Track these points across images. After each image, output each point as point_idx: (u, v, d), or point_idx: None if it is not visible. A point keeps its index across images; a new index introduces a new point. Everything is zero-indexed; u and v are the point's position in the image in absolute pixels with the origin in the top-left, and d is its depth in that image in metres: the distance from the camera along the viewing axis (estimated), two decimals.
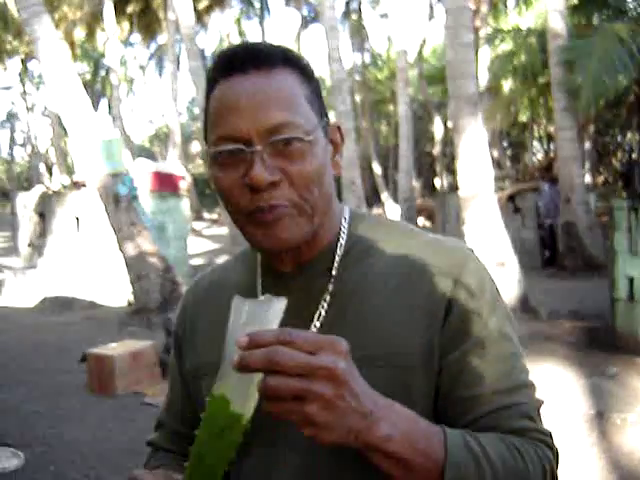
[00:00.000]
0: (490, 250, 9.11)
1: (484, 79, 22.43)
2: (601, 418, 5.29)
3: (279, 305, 0.86)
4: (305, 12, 36.89)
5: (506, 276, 9.08)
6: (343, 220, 1.18)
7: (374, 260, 1.13)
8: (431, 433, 0.91)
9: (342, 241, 1.15)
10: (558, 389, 6.06)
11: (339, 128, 1.15)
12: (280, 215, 1.01)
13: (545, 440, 1.04)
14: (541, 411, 1.09)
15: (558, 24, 13.79)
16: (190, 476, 0.88)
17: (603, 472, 4.39)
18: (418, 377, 1.05)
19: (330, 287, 1.11)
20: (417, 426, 0.90)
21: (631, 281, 7.26)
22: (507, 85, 22.05)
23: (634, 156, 25.68)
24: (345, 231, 1.16)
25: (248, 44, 1.07)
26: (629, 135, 29.11)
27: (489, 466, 0.93)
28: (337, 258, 1.13)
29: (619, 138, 31.52)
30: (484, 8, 23.72)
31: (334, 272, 1.12)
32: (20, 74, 42.75)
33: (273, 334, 0.80)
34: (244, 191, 1.02)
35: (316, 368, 0.78)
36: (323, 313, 1.09)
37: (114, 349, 6.67)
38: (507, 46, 20.83)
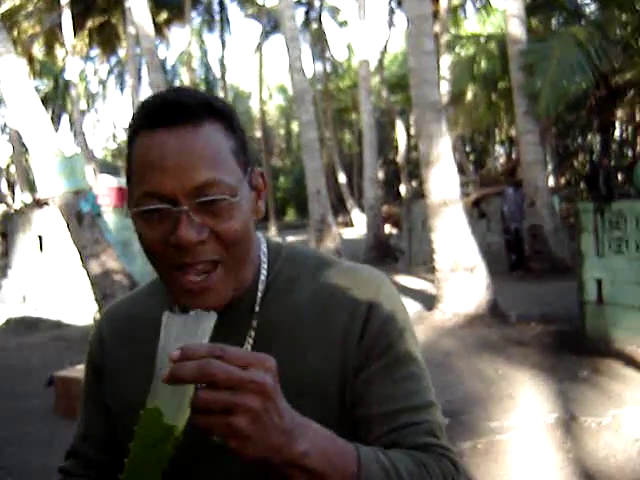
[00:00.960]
0: (458, 256, 9.14)
1: (446, 85, 22.61)
2: (575, 422, 5.29)
3: (209, 320, 0.89)
4: (265, 23, 36.83)
5: (475, 281, 9.11)
6: (262, 254, 1.19)
7: (294, 293, 1.16)
8: (346, 450, 0.95)
9: (262, 277, 1.17)
10: (530, 393, 6.07)
11: (262, 174, 1.16)
12: (207, 281, 1.03)
13: (448, 455, 1.08)
14: (444, 429, 1.12)
15: (517, 29, 13.91)
16: None
17: (580, 476, 4.38)
18: (335, 402, 1.10)
19: (254, 323, 1.14)
20: (333, 443, 0.93)
21: (599, 283, 7.31)
22: (469, 91, 22.21)
23: (595, 158, 26.04)
24: (265, 266, 1.18)
25: (173, 95, 1.05)
26: (589, 137, 29.54)
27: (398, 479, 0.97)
28: (259, 294, 1.16)
29: (580, 140, 31.97)
30: (444, 14, 23.93)
31: (257, 309, 1.15)
32: None
33: (205, 348, 0.82)
34: (168, 249, 1.01)
35: (247, 382, 0.81)
36: (249, 348, 1.12)
37: (81, 371, 6.52)
38: (467, 52, 21.02)
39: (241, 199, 1.04)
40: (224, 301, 1.06)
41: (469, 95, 22.46)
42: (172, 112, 1.01)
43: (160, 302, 1.21)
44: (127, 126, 1.11)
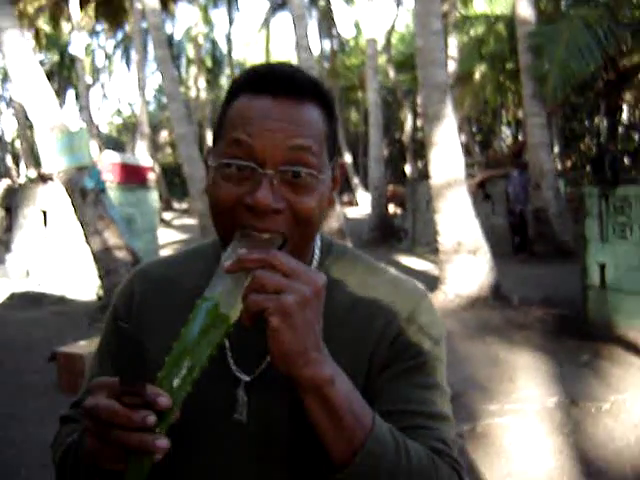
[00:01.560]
0: (462, 238, 9.13)
1: (453, 66, 22.47)
2: (575, 407, 5.31)
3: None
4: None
5: (478, 263, 9.11)
6: (316, 248, 1.20)
7: (338, 294, 1.16)
8: (365, 405, 0.97)
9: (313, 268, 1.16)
10: (530, 377, 6.09)
11: (342, 166, 1.18)
12: (271, 240, 1.02)
13: (457, 468, 1.07)
14: (456, 445, 1.13)
15: (526, 10, 13.79)
16: (169, 371, 0.90)
17: (579, 461, 4.40)
18: None
19: None
20: (355, 392, 0.96)
21: (602, 268, 7.30)
22: (477, 72, 22.09)
23: (602, 141, 25.92)
24: (316, 262, 1.19)
25: (283, 68, 1.07)
26: (597, 120, 29.38)
27: (406, 457, 0.97)
28: None
29: (587, 123, 31.80)
30: None
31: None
32: None
33: (267, 250, 0.91)
34: (241, 210, 1.01)
35: (302, 273, 0.88)
36: None
37: (84, 347, 6.55)
38: (476, 32, 20.88)
39: (324, 180, 1.06)
40: None
41: (477, 76, 22.34)
42: (280, 82, 1.03)
43: (199, 270, 1.21)
44: (228, 87, 1.11)
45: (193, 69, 39.21)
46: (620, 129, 25.37)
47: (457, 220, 9.16)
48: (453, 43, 22.58)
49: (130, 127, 52.84)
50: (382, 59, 30.56)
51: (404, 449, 0.97)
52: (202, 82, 35.50)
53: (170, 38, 37.49)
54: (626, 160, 23.42)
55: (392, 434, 0.97)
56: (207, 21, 41.61)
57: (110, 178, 12.66)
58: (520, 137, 29.61)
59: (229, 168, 1.01)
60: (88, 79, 37.79)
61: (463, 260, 9.11)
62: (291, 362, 0.87)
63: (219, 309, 0.90)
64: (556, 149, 25.32)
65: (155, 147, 39.61)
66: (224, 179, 1.02)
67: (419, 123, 31.34)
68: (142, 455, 0.87)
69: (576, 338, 7.21)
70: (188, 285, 1.19)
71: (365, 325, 1.14)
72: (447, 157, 9.13)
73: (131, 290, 1.26)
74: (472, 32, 21.28)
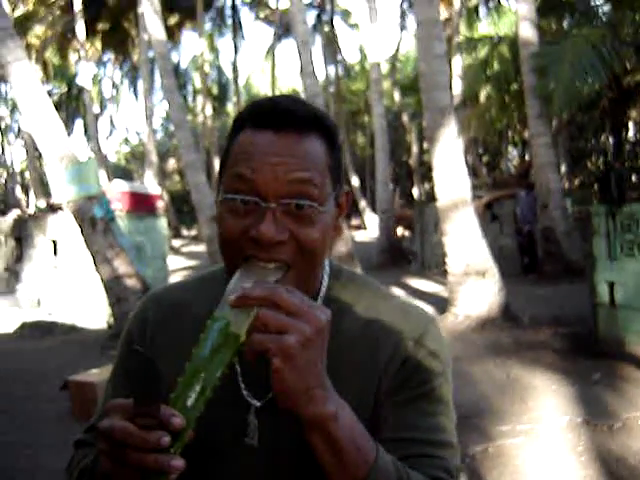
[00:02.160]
0: (470, 259, 9.13)
1: (458, 88, 22.57)
2: (588, 426, 5.29)
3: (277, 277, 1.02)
4: (277, 27, 36.87)
5: (487, 285, 9.10)
6: (325, 275, 1.23)
7: (346, 322, 1.19)
8: (368, 438, 0.99)
9: (322, 294, 1.20)
10: (542, 397, 6.07)
11: (347, 194, 1.20)
12: (276, 269, 1.05)
13: None
14: (460, 474, 1.15)
15: (528, 32, 13.87)
16: (181, 391, 0.92)
17: None
18: (368, 427, 1.08)
19: None
20: (358, 426, 0.98)
21: (611, 286, 7.29)
22: (482, 93, 22.17)
23: (608, 159, 25.91)
24: (325, 288, 1.21)
25: (286, 101, 1.09)
26: (602, 138, 29.40)
27: None
28: None
29: (593, 141, 31.81)
30: (456, 17, 23.91)
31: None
32: None
33: (276, 285, 0.94)
34: (247, 241, 1.04)
35: (305, 312, 0.89)
36: None
37: (95, 375, 6.58)
38: (480, 55, 20.98)
39: (327, 211, 1.08)
40: None
41: (482, 97, 22.42)
42: (281, 117, 1.06)
43: (211, 295, 1.21)
44: (233, 120, 1.14)
45: (200, 97, 39.49)
46: (627, 146, 25.39)
47: (465, 242, 9.17)
48: (457, 65, 22.71)
49: (138, 155, 53.13)
50: (387, 83, 30.72)
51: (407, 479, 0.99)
52: (209, 110, 35.72)
53: (176, 67, 37.78)
54: (633, 178, 23.39)
55: (395, 466, 0.99)
56: (213, 49, 41.96)
57: (119, 207, 12.73)
58: (527, 157, 29.65)
59: (234, 202, 1.05)
60: (96, 109, 38.11)
61: (472, 281, 9.11)
62: (294, 400, 0.90)
63: (230, 328, 0.92)
64: (563, 168, 25.35)
65: (163, 175, 39.78)
66: (229, 212, 1.06)
67: (425, 145, 31.47)
68: (158, 476, 0.89)
69: (587, 357, 7.19)
70: (200, 310, 1.20)
71: (374, 350, 1.16)
72: (453, 179, 9.16)
73: (145, 315, 1.28)
74: (475, 55, 21.38)
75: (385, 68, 31.73)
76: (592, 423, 5.33)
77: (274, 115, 1.06)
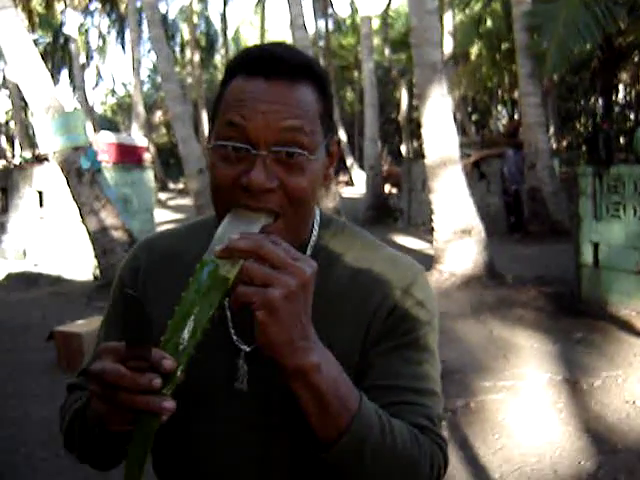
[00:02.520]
0: (456, 217, 9.16)
1: (449, 45, 22.39)
2: (568, 383, 5.37)
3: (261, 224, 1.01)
4: None
5: (472, 243, 9.15)
6: (315, 223, 1.23)
7: (335, 271, 1.20)
8: (352, 388, 0.99)
9: (312, 243, 1.21)
10: (524, 354, 6.15)
11: (338, 143, 1.19)
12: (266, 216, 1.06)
13: (440, 444, 1.10)
14: (442, 422, 1.15)
15: None
16: (171, 334, 0.93)
17: (571, 437, 4.46)
18: (350, 374, 1.09)
19: None
20: (343, 375, 0.98)
21: (596, 247, 7.35)
22: (473, 51, 22.01)
23: (597, 121, 25.88)
24: (315, 236, 1.22)
25: (277, 49, 1.09)
26: (592, 100, 29.34)
27: (391, 438, 1.00)
28: None
29: (582, 103, 31.76)
30: None
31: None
32: None
33: (263, 235, 0.93)
34: (237, 189, 1.04)
35: (290, 264, 0.89)
36: None
37: (82, 326, 6.60)
38: (472, 11, 20.79)
39: (317, 159, 1.08)
40: None
41: (473, 55, 22.27)
42: (273, 64, 1.05)
43: (202, 242, 1.21)
44: (225, 68, 1.14)
45: (188, 49, 38.99)
46: (616, 109, 25.36)
47: (452, 200, 9.19)
48: (449, 21, 22.48)
49: (125, 107, 52.58)
50: (378, 39, 30.42)
51: (389, 430, 1.00)
52: (197, 61, 35.29)
53: (164, 17, 37.22)
54: (621, 139, 23.42)
55: (378, 415, 1.00)
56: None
57: (106, 158, 12.65)
58: (516, 117, 29.57)
59: (225, 149, 1.05)
60: (82, 59, 37.57)
61: (458, 239, 9.15)
62: (277, 351, 0.90)
63: (218, 271, 0.92)
64: (551, 129, 25.31)
65: (150, 127, 39.44)
66: (221, 160, 1.06)
67: (415, 102, 31.31)
68: (149, 417, 0.90)
69: (569, 316, 7.27)
70: (192, 256, 1.20)
71: (363, 299, 1.16)
72: (441, 136, 9.14)
73: (136, 262, 1.29)
74: (467, 11, 21.17)
75: (376, 24, 31.37)
76: (572, 381, 5.41)
77: (266, 62, 1.06)
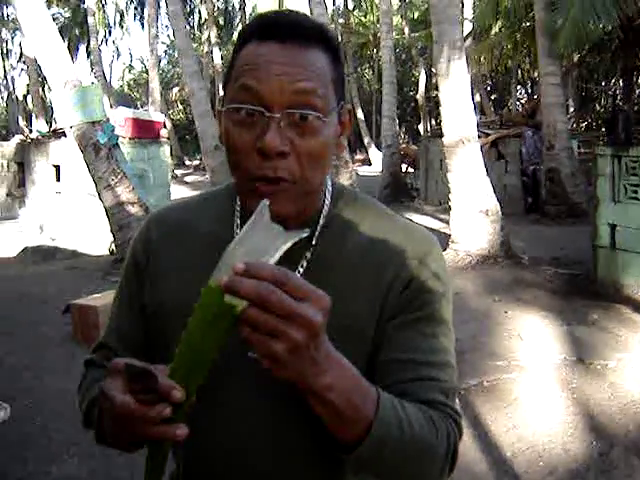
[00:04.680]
0: (473, 196, 9.12)
1: (469, 22, 22.17)
2: (581, 364, 5.37)
3: (290, 239, 0.89)
4: None
5: (488, 223, 9.11)
6: (327, 193, 1.22)
7: (350, 237, 1.19)
8: (368, 394, 0.98)
9: (324, 213, 1.20)
10: (538, 335, 6.13)
11: (350, 112, 1.18)
12: (280, 189, 1.05)
13: (455, 418, 1.11)
14: (456, 394, 1.16)
15: None
16: (179, 362, 0.92)
17: (584, 418, 4.46)
18: (369, 346, 1.14)
19: (308, 255, 1.16)
20: (357, 383, 0.96)
21: (613, 228, 7.30)
22: (493, 28, 21.79)
23: (617, 102, 25.62)
24: (328, 206, 1.21)
25: (290, 15, 1.09)
26: (613, 81, 29.02)
27: (410, 431, 1.00)
28: (318, 229, 1.18)
29: (603, 84, 31.42)
30: None
31: (313, 242, 1.17)
32: None
33: (270, 271, 0.83)
34: (253, 154, 1.04)
35: (297, 315, 0.82)
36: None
37: (98, 299, 6.64)
38: None
39: (329, 124, 1.08)
40: (291, 213, 1.09)
41: (493, 32, 22.05)
42: (286, 29, 1.05)
43: (213, 214, 1.25)
44: (238, 35, 1.14)
45: (205, 26, 38.85)
46: (636, 90, 25.07)
47: (469, 179, 9.14)
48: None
49: (142, 83, 52.58)
50: (398, 17, 30.20)
51: (407, 424, 1.00)
52: (214, 38, 35.18)
53: None
54: None
55: (395, 411, 1.00)
56: None
57: (122, 133, 12.66)
58: (535, 97, 29.33)
59: (239, 113, 1.05)
60: (100, 35, 37.55)
61: (474, 218, 9.11)
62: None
63: (224, 298, 0.85)
64: (571, 109, 25.09)
65: (166, 104, 39.45)
66: (235, 125, 1.06)
67: (433, 81, 31.09)
68: (162, 442, 0.93)
69: (585, 297, 7.24)
70: (202, 229, 1.23)
71: (378, 271, 1.16)
72: (460, 115, 9.07)
73: (148, 235, 1.29)
74: None
75: (396, 1, 31.14)
76: (586, 362, 5.40)
77: (279, 27, 1.05)
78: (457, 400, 1.16)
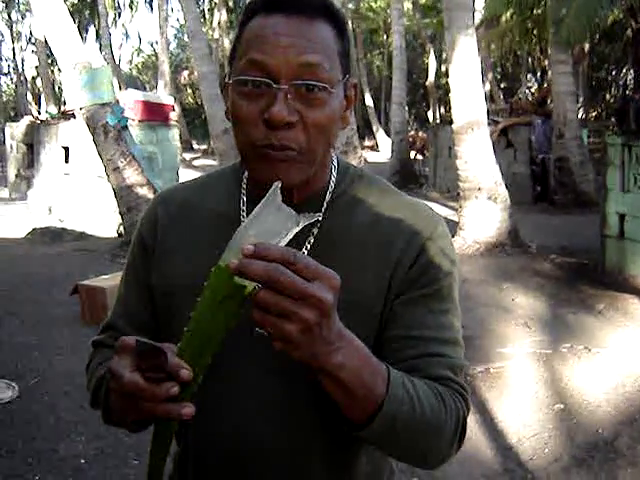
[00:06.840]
0: (482, 184, 9.10)
1: (480, 9, 22.03)
2: (587, 352, 5.37)
3: (300, 223, 0.89)
4: None
5: (497, 210, 9.10)
6: (333, 169, 1.23)
7: (357, 213, 1.20)
8: (378, 371, 0.99)
9: (330, 189, 1.20)
10: (545, 323, 6.14)
11: (355, 86, 1.19)
12: (286, 157, 1.05)
13: (463, 394, 1.12)
14: (463, 370, 1.17)
15: None
16: (188, 342, 0.92)
17: (590, 406, 4.47)
18: (377, 322, 1.14)
19: (314, 231, 1.16)
20: (368, 363, 0.97)
21: (622, 218, 7.28)
22: (504, 16, 21.63)
23: (628, 92, 25.48)
24: (333, 182, 1.21)
25: None
26: (624, 70, 28.85)
27: (419, 407, 1.02)
28: (324, 205, 1.18)
29: (614, 73, 31.24)
30: None
31: (320, 217, 1.14)
32: (5, 1, 41.78)
33: (279, 252, 0.83)
34: (259, 125, 1.05)
35: (308, 295, 0.82)
36: (305, 253, 1.13)
37: (106, 280, 6.66)
38: None
39: (335, 96, 1.08)
40: (297, 182, 1.09)
41: (503, 20, 21.90)
42: (292, 2, 1.06)
43: (220, 193, 1.26)
44: (243, 9, 1.14)
45: (216, 10, 38.73)
46: None
47: (477, 165, 9.12)
48: None
49: (151, 66, 52.51)
50: (408, 3, 30.04)
51: (417, 401, 1.01)
52: (224, 22, 35.06)
53: None
54: None
55: (406, 389, 1.01)
56: None
57: (132, 115, 12.63)
58: (546, 85, 29.18)
59: (245, 86, 1.05)
60: (110, 17, 37.46)
61: (482, 206, 9.10)
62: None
63: (234, 279, 0.85)
64: (581, 99, 24.96)
65: (176, 87, 39.38)
66: (241, 97, 1.06)
67: (443, 68, 30.98)
68: (169, 421, 0.94)
69: (592, 286, 7.24)
70: (209, 208, 1.23)
71: (385, 247, 1.16)
72: (469, 101, 9.05)
73: (155, 215, 1.30)
74: None
75: None
76: (592, 350, 5.40)
77: (285, 0, 1.06)
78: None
